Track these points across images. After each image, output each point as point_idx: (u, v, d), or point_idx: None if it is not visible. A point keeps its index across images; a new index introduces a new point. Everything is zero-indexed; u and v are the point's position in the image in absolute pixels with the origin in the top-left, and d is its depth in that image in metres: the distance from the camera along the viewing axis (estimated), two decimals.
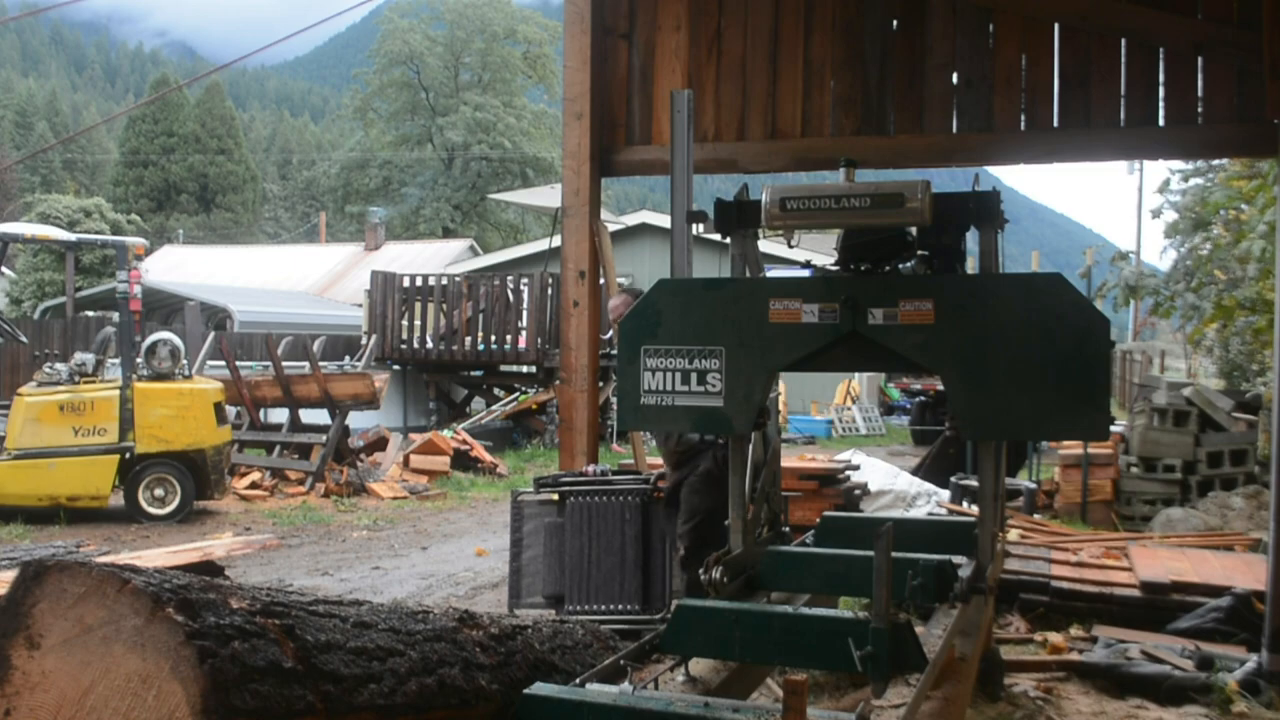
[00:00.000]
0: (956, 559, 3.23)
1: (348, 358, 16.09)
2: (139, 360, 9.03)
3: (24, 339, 12.42)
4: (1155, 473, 9.19)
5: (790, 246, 3.52)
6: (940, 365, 3.01)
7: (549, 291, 14.99)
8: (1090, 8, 5.65)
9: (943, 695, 2.52)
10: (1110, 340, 2.92)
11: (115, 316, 9.91)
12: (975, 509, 5.64)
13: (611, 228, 7.95)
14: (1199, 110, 5.48)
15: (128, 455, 8.87)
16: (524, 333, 15.53)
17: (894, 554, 2.37)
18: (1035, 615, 5.45)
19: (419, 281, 16.18)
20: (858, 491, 8.24)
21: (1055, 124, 5.69)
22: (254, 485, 10.73)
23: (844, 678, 4.18)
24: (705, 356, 3.09)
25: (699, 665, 2.59)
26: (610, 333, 11.67)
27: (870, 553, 2.30)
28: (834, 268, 3.34)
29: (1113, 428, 3.43)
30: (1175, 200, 12.75)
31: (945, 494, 8.63)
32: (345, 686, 1.67)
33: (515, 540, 5.07)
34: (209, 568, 5.64)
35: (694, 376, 3.10)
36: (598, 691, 2.16)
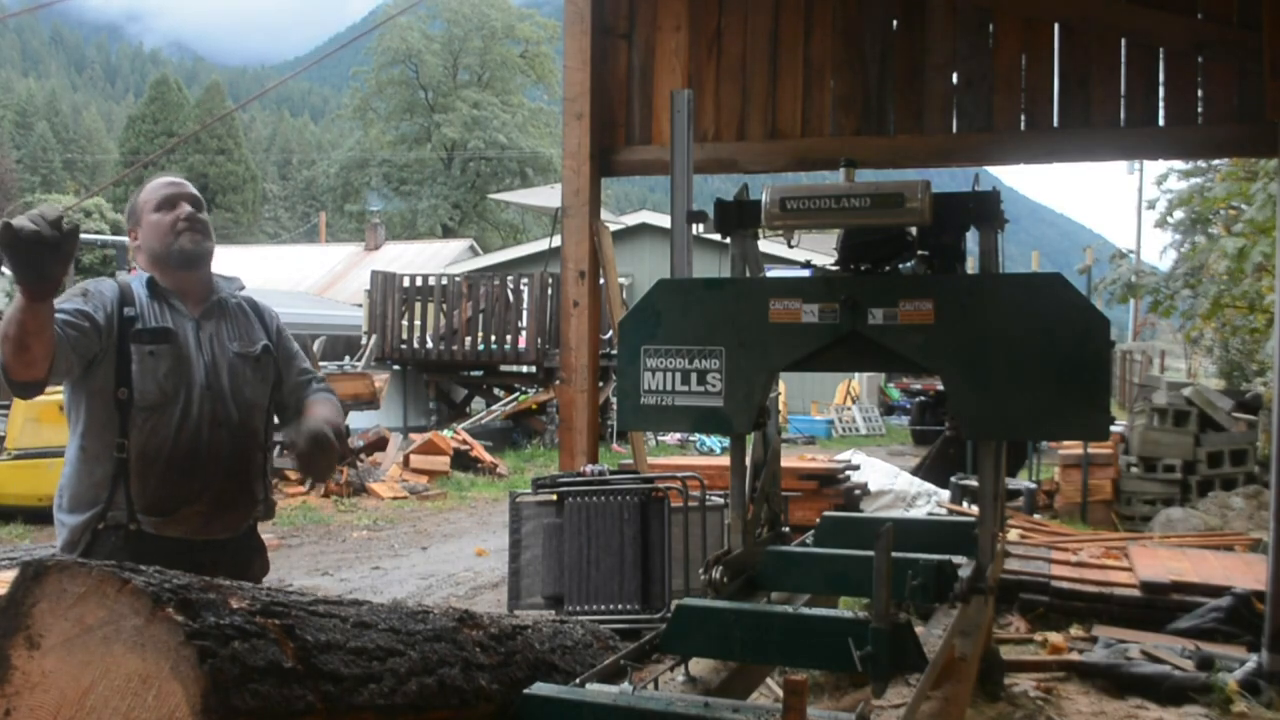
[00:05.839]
0: (956, 559, 3.22)
1: (348, 358, 16.06)
2: None
3: None
4: (1155, 473, 9.19)
5: (790, 246, 3.51)
6: (940, 365, 3.01)
7: (549, 291, 14.98)
8: (1090, 8, 5.64)
9: (943, 695, 2.52)
10: (1110, 340, 2.92)
11: None
12: (975, 509, 5.64)
13: (611, 228, 7.94)
14: (1199, 110, 5.48)
15: None
16: (524, 333, 15.52)
17: (894, 554, 2.36)
18: (1035, 615, 5.45)
19: (419, 281, 16.18)
20: (858, 491, 8.25)
21: (1055, 124, 5.68)
22: None
23: (844, 678, 4.18)
24: (705, 356, 3.09)
25: (699, 665, 2.59)
26: (610, 332, 11.67)
27: (870, 553, 2.30)
28: (834, 268, 3.33)
29: (1113, 428, 3.43)
30: (1171, 196, 12.76)
31: (945, 494, 8.63)
32: (345, 686, 1.67)
33: (514, 542, 5.06)
34: None
35: (694, 376, 3.10)
36: (598, 691, 2.16)
